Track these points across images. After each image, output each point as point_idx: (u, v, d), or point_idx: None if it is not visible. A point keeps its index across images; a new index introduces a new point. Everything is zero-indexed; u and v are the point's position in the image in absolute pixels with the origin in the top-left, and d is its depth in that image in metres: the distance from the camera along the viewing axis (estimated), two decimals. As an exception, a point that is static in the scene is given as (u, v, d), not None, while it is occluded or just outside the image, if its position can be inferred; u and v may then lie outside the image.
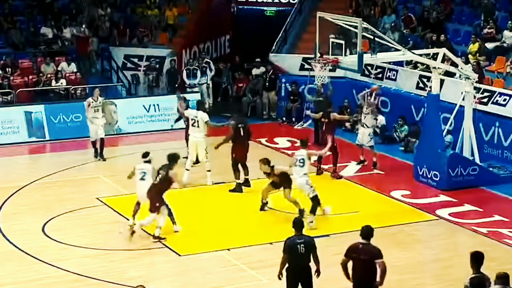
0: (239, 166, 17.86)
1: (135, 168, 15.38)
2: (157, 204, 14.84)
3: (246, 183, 17.89)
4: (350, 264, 11.02)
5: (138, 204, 15.32)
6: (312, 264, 11.32)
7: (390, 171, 19.91)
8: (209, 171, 18.22)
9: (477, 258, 9.95)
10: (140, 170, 15.30)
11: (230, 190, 17.80)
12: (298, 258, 11.18)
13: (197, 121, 18.16)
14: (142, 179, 15.23)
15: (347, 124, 23.36)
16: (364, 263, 10.80)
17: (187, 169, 18.11)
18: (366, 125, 19.64)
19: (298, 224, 11.42)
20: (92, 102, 20.38)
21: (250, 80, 26.08)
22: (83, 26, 26.90)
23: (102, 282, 13.36)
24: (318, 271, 11.35)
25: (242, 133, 18.15)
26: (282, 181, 16.10)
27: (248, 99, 25.68)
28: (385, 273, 10.80)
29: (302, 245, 11.15)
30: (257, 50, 26.48)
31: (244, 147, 18.09)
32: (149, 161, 15.34)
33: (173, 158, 15.06)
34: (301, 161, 15.94)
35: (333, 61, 17.35)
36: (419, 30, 24.50)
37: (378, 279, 10.78)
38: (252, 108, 25.62)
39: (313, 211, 15.72)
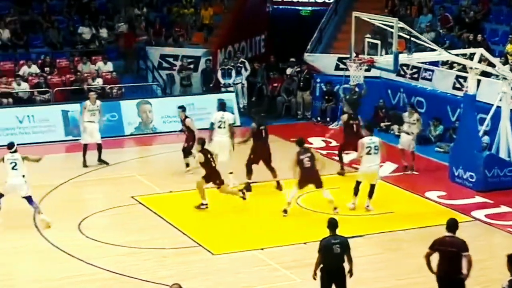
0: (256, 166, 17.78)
1: (4, 158, 15.66)
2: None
3: (278, 186, 17.87)
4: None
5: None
6: (345, 265, 11.30)
7: (425, 171, 19.76)
8: (231, 173, 17.95)
9: None
10: (11, 160, 15.57)
11: (239, 190, 17.49)
12: (333, 259, 11.23)
13: (224, 122, 18.14)
14: (14, 168, 15.52)
15: (382, 125, 23.28)
16: (451, 255, 10.96)
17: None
18: (412, 132, 19.47)
19: (332, 224, 11.44)
20: (89, 105, 20.12)
21: (285, 80, 26.06)
22: (121, 23, 27.08)
23: (136, 280, 13.44)
24: (351, 272, 11.36)
25: (263, 135, 18.05)
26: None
27: (282, 99, 25.66)
28: (471, 265, 10.95)
29: (337, 245, 11.22)
30: (292, 50, 26.46)
31: (267, 148, 18.00)
32: (16, 151, 15.66)
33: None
34: (376, 148, 16.26)
35: (368, 61, 17.29)
36: (456, 30, 24.27)
37: (465, 271, 10.95)
38: (287, 108, 25.62)
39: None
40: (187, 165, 19.16)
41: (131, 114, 23.58)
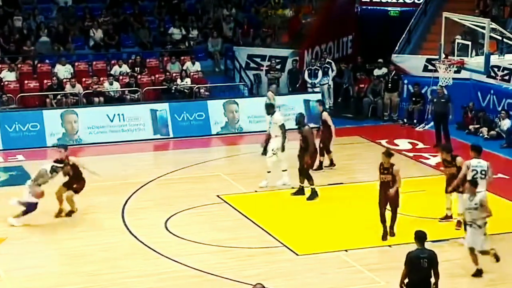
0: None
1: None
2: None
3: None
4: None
5: None
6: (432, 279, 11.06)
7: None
8: (285, 170, 17.93)
9: None
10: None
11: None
12: (420, 273, 10.95)
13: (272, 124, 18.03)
14: None
15: (471, 127, 22.89)
16: None
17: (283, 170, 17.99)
18: None
19: (420, 237, 11.17)
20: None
21: (372, 81, 25.87)
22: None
23: (220, 279, 13.56)
24: (436, 285, 11.04)
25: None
26: None
27: (369, 100, 25.48)
28: None
29: (425, 259, 10.95)
30: (379, 51, 26.23)
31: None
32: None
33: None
34: (483, 173, 14.62)
35: (458, 62, 17.03)
36: (550, 30, 23.61)
37: None
38: (373, 109, 25.42)
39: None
40: (331, 162, 19.15)
41: (218, 113, 23.81)
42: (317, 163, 18.50)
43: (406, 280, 11.00)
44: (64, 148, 16.54)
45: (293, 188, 17.76)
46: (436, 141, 21.35)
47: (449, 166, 15.33)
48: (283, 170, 18.01)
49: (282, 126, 17.93)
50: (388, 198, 14.84)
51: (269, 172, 18.04)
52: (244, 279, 13.40)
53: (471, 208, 13.16)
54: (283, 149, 17.81)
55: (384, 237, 15.04)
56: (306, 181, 17.35)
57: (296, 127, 17.62)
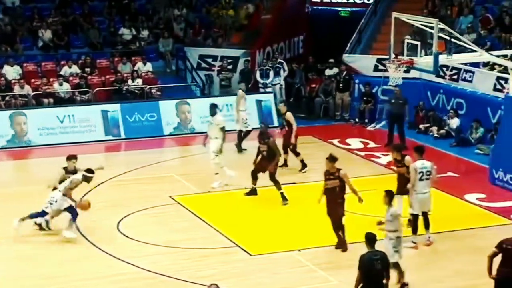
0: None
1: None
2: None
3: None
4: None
5: None
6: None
7: (465, 174, 19.61)
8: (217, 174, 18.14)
9: None
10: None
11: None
12: (375, 275, 10.90)
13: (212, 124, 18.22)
14: None
15: (421, 126, 23.18)
16: None
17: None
18: None
19: (371, 239, 11.13)
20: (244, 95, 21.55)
21: (323, 81, 26.01)
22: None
23: (174, 280, 13.53)
24: (387, 286, 11.04)
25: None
26: None
27: (320, 100, 25.62)
28: None
29: (378, 261, 10.90)
30: (330, 51, 26.40)
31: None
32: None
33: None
34: (428, 173, 14.73)
35: (407, 62, 17.20)
36: (497, 31, 24.01)
37: None
38: (325, 109, 25.56)
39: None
40: (285, 162, 19.26)
41: (170, 114, 23.73)
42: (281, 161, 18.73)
43: (361, 285, 10.91)
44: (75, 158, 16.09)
45: (246, 188, 17.81)
46: (388, 141, 21.55)
47: (399, 166, 15.46)
48: (215, 174, 18.12)
49: (223, 128, 18.08)
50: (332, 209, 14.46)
51: (216, 174, 18.16)
52: (198, 280, 13.39)
53: (387, 220, 12.94)
54: (220, 151, 17.97)
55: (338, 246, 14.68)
56: (256, 182, 17.50)
57: (260, 138, 17.54)
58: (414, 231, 14.78)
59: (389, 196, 13.07)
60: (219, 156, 18.06)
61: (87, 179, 15.47)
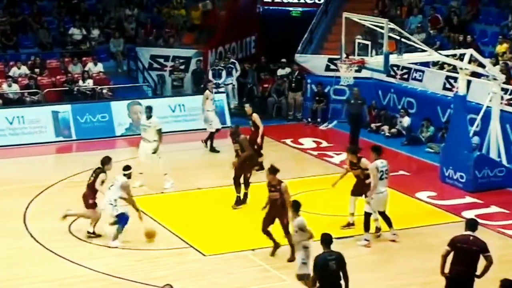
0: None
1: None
2: None
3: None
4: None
5: None
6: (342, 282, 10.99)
7: (416, 172, 19.84)
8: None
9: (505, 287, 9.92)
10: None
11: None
12: (330, 276, 10.83)
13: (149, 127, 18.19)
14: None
15: (373, 125, 23.38)
16: (472, 255, 10.95)
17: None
18: None
19: (327, 240, 11.05)
20: (210, 95, 21.60)
21: (276, 81, 26.08)
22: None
23: (128, 282, 13.44)
24: (346, 287, 10.96)
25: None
26: None
27: (273, 100, 25.68)
28: (490, 267, 10.96)
29: (333, 261, 10.82)
30: (282, 51, 26.48)
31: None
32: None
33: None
34: (387, 172, 14.68)
35: (359, 62, 17.33)
36: (446, 30, 24.36)
37: (479, 272, 10.97)
38: (277, 108, 25.63)
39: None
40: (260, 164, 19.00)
41: (122, 115, 23.55)
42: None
43: (317, 285, 10.88)
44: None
45: (199, 188, 17.78)
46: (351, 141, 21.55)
47: (354, 168, 15.42)
48: (139, 173, 18.01)
49: (159, 130, 18.09)
50: (277, 214, 14.16)
51: (166, 174, 18.12)
52: (152, 281, 13.32)
53: (294, 231, 12.72)
54: (155, 151, 17.94)
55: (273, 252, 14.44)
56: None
57: (232, 137, 17.45)
58: (366, 229, 14.89)
59: (295, 206, 12.78)
60: (162, 158, 18.03)
61: (129, 177, 15.42)
